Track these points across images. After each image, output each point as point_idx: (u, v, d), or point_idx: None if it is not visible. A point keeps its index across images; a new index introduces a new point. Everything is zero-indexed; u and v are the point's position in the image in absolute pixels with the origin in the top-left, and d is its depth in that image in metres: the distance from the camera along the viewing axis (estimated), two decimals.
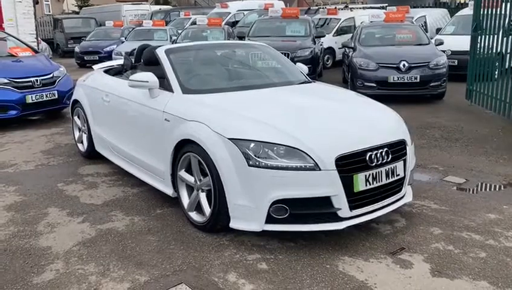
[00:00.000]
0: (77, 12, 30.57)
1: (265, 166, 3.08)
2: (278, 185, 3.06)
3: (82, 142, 5.51)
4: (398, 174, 3.39)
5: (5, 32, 9.37)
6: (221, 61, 4.79)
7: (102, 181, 4.69)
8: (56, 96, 7.39)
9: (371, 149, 3.22)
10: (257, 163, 3.09)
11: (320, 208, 3.12)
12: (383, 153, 3.26)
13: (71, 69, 11.25)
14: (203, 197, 3.49)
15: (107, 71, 5.45)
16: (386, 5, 17.24)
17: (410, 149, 3.57)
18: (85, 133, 5.39)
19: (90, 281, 2.89)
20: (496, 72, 7.58)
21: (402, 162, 3.43)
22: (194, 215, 3.58)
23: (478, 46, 7.98)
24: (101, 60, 12.72)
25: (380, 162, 3.23)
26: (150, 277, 2.93)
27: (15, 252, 3.28)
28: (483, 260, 3.07)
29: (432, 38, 10.10)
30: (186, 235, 3.46)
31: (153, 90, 4.01)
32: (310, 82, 4.61)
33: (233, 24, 16.78)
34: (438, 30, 12.79)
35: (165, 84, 4.03)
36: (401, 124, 3.77)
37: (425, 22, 15.09)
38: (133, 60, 5.27)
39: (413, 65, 8.36)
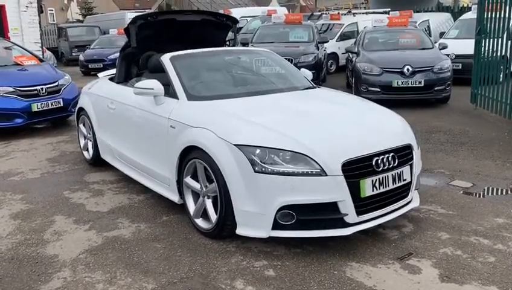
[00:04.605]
0: (81, 21, 30.79)
1: (271, 172, 3.08)
2: (284, 191, 3.06)
3: (87, 150, 5.52)
4: (405, 179, 3.37)
5: (11, 42, 9.44)
6: (226, 67, 4.80)
7: (108, 188, 4.69)
8: (61, 104, 7.42)
9: (378, 154, 3.21)
10: (263, 169, 3.09)
11: (327, 213, 3.10)
12: (390, 158, 3.25)
13: (76, 77, 11.30)
14: (209, 203, 3.49)
15: (112, 79, 5.47)
16: (389, 9, 17.28)
17: (416, 153, 3.56)
18: (90, 140, 5.41)
19: (97, 289, 2.89)
20: (501, 75, 7.55)
21: (408, 166, 3.42)
22: (200, 222, 3.58)
23: (482, 49, 7.96)
24: (105, 68, 12.79)
25: (386, 167, 3.22)
26: (156, 284, 2.92)
27: (22, 260, 3.28)
28: (492, 264, 3.05)
29: (435, 43, 10.10)
30: (193, 242, 3.45)
31: (158, 98, 4.02)
32: (314, 87, 4.61)
33: (237, 30, 16.81)
34: (442, 34, 12.79)
35: (170, 91, 4.05)
36: (407, 128, 3.76)
37: (428, 26, 15.10)
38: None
39: (417, 69, 8.36)
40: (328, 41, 12.33)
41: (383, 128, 3.62)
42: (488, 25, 7.76)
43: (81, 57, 17.20)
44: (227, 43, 5.82)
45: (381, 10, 18.01)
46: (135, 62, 5.34)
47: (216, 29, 5.65)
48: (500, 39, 7.47)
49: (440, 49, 9.31)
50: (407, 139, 3.54)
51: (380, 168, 3.19)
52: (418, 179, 3.67)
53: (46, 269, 3.14)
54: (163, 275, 3.02)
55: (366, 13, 18.12)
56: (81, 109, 5.54)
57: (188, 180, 3.63)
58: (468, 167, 5.10)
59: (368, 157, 3.17)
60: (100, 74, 6.01)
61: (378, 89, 8.45)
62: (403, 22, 10.62)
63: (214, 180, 3.32)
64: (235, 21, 5.75)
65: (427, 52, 9.17)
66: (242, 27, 17.36)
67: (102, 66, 15.58)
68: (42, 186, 4.83)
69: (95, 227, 3.78)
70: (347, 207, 3.08)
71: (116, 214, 4.03)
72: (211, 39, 5.32)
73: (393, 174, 3.27)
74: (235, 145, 3.21)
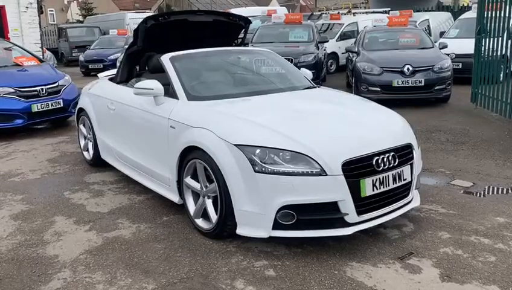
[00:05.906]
0: (81, 22, 30.81)
1: (271, 172, 3.07)
2: (285, 190, 3.05)
3: (88, 150, 5.52)
4: (405, 179, 3.37)
5: (11, 42, 9.45)
6: (226, 67, 4.79)
7: (108, 189, 4.69)
8: (61, 105, 7.43)
9: (378, 154, 3.20)
10: (263, 169, 3.08)
11: (328, 213, 3.10)
12: (390, 158, 3.25)
13: (76, 78, 11.31)
14: (209, 203, 3.48)
15: (112, 79, 5.47)
16: (389, 9, 17.28)
17: (416, 153, 3.55)
18: (90, 141, 5.41)
19: None
20: (501, 75, 7.55)
21: (409, 166, 3.41)
22: (200, 222, 3.57)
23: (482, 48, 7.96)
24: (105, 69, 12.78)
25: (386, 166, 3.21)
26: (157, 284, 2.92)
27: (22, 261, 3.28)
28: (493, 264, 3.04)
29: (435, 42, 10.09)
30: (193, 243, 3.45)
31: (158, 98, 4.02)
32: (315, 87, 4.61)
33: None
34: (442, 33, 12.78)
35: (170, 92, 4.04)
36: (407, 128, 3.76)
37: (428, 26, 15.10)
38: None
39: (417, 69, 8.35)
40: (328, 41, 12.33)
41: (383, 127, 3.61)
42: (488, 24, 7.75)
43: (81, 58, 17.22)
44: (236, 41, 5.72)
45: (381, 10, 18.00)
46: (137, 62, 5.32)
47: (227, 30, 5.49)
48: (500, 38, 7.46)
49: (440, 49, 9.30)
50: (408, 138, 3.54)
51: (380, 168, 3.18)
52: (419, 179, 3.66)
53: (46, 270, 3.14)
54: (164, 275, 3.02)
55: (366, 13, 18.11)
56: (81, 110, 5.54)
57: (188, 180, 3.63)
58: (468, 166, 5.09)
59: (368, 156, 3.17)
60: (100, 75, 6.01)
61: (379, 89, 8.45)
62: (403, 21, 10.61)
63: (214, 180, 3.31)
64: (247, 21, 5.56)
65: (427, 51, 9.17)
66: None
67: (102, 66, 15.59)
68: (42, 187, 4.83)
69: (95, 227, 3.78)
70: (347, 207, 3.07)
71: (116, 215, 4.03)
72: (220, 40, 5.25)
73: (394, 173, 3.27)
74: (235, 145, 3.21)
